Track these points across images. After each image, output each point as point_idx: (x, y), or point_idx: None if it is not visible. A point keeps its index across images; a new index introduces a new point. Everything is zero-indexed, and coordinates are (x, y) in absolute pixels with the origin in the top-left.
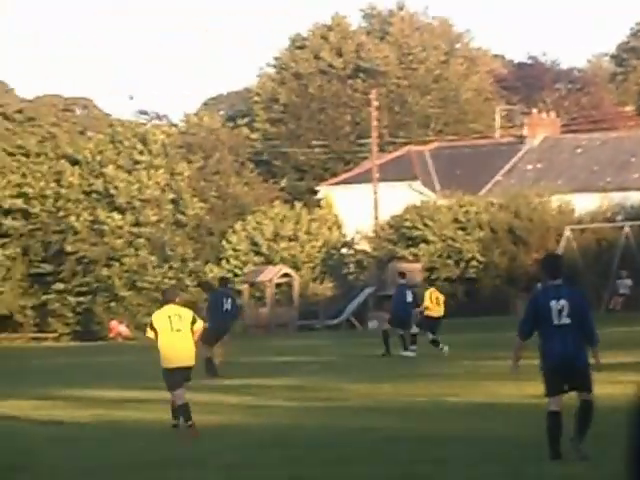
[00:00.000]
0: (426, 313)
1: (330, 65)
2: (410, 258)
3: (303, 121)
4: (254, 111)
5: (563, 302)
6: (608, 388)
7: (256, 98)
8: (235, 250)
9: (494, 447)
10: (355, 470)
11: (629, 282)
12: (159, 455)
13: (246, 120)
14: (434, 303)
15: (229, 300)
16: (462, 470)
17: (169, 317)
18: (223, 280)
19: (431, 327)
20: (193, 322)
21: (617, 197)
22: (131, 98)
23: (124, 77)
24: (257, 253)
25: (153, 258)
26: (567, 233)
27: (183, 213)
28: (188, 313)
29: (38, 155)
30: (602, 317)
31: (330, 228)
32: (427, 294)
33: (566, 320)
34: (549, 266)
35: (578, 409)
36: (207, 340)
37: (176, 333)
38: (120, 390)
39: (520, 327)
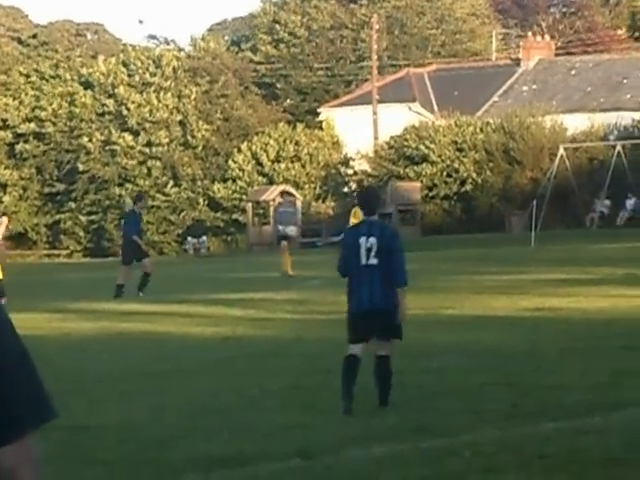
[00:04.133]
0: None
1: None
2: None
3: (304, 44)
4: (257, 35)
5: (372, 240)
6: (598, 301)
7: (258, 21)
8: (241, 170)
9: (486, 358)
10: None
11: (607, 202)
12: (167, 364)
13: (249, 45)
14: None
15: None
16: (451, 379)
17: None
18: (137, 197)
19: None
20: None
21: (610, 117)
22: (140, 22)
23: (133, 2)
24: (261, 173)
25: (165, 178)
26: (561, 152)
27: (191, 135)
28: None
29: (53, 77)
30: (585, 234)
31: (330, 149)
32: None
33: (373, 261)
34: (364, 201)
35: (375, 367)
36: None
37: None
38: (130, 303)
39: (338, 265)
